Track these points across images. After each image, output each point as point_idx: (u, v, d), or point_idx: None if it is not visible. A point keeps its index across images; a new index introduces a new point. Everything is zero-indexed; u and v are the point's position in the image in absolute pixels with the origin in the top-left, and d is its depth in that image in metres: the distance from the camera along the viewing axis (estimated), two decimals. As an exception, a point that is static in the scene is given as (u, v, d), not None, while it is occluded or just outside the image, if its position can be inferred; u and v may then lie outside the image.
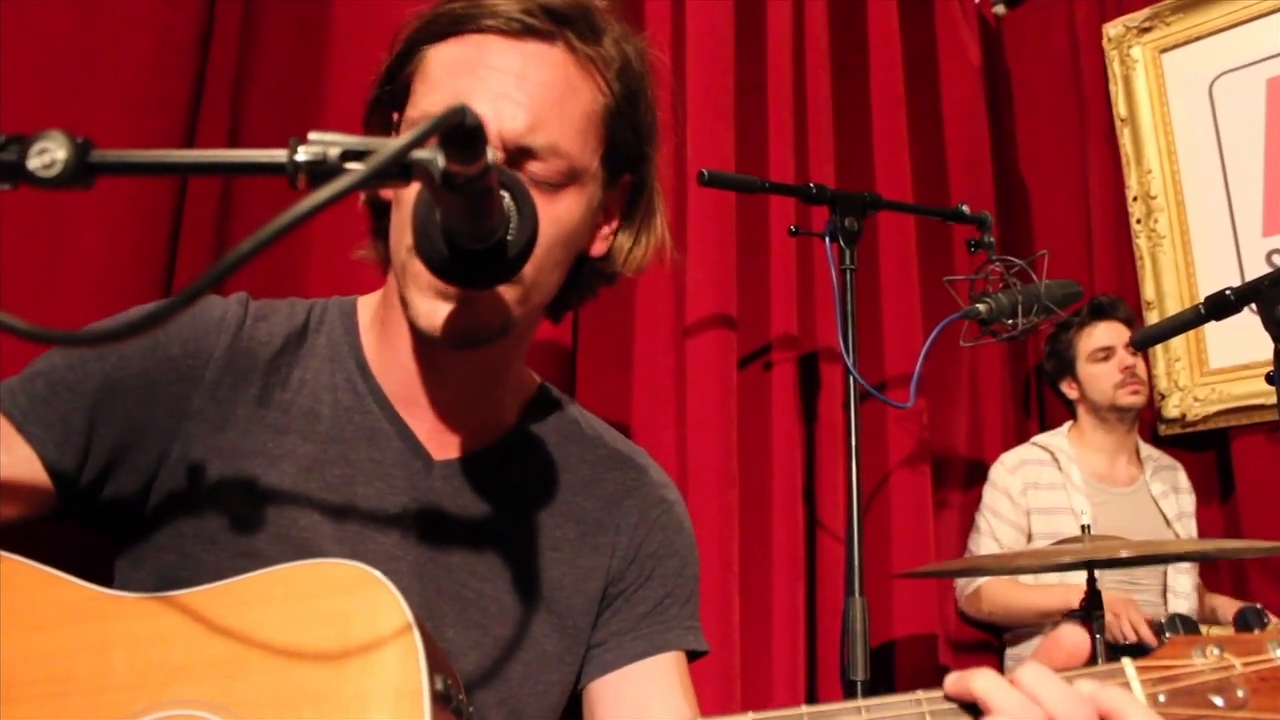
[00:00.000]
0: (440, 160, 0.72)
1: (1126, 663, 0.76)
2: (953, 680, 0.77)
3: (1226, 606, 2.92)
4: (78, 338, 0.64)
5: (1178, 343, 3.37)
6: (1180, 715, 0.74)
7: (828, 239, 2.15)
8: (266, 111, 1.81)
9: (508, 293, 1.05)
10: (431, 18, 1.07)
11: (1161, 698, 0.75)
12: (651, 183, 1.22)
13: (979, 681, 0.75)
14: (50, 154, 0.68)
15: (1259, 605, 0.77)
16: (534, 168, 1.05)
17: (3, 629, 0.93)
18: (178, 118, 1.64)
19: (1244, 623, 0.76)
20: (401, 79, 1.11)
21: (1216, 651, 0.75)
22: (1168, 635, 0.74)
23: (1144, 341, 1.98)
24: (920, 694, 0.78)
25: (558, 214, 1.07)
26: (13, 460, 1.02)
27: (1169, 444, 3.40)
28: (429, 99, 1.05)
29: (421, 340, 1.11)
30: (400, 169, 0.70)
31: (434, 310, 1.03)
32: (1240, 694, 0.74)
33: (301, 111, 1.84)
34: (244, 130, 1.78)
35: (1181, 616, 0.68)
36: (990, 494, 3.08)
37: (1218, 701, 0.74)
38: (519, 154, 1.04)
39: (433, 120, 0.67)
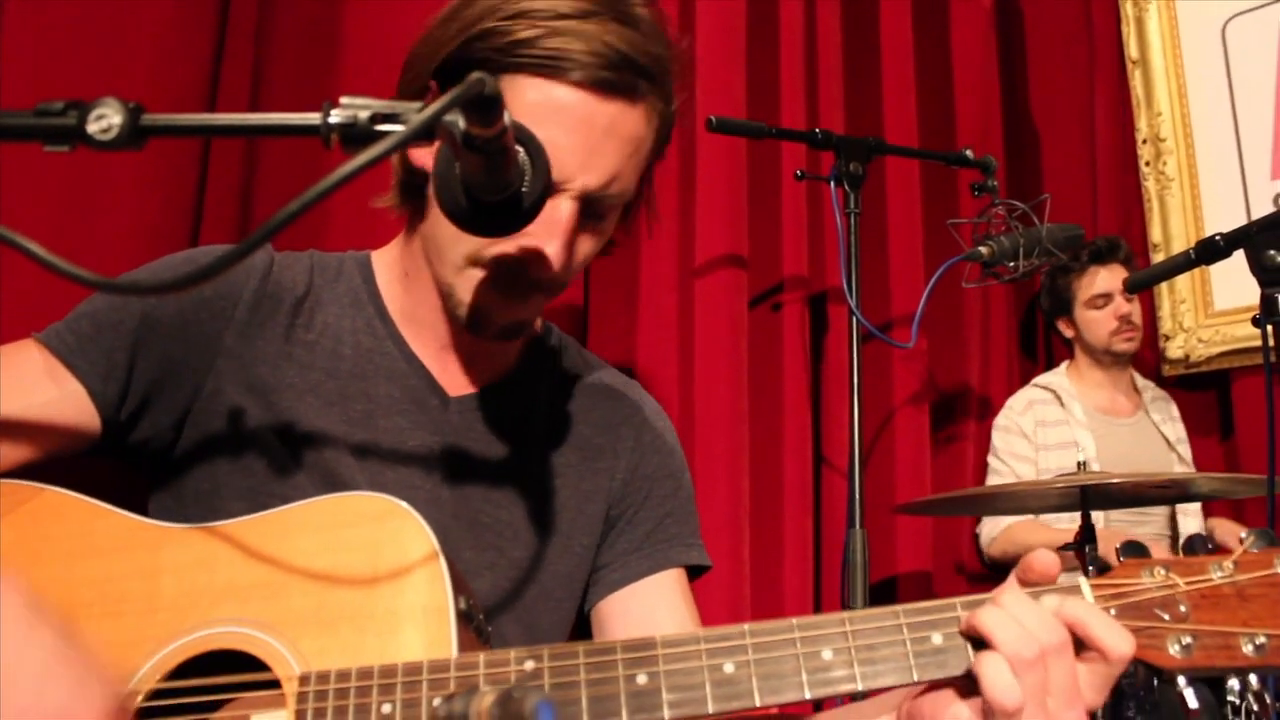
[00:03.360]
0: (461, 123, 0.79)
1: (1082, 581, 0.85)
2: (964, 618, 0.86)
3: (1225, 530, 3.03)
4: (146, 286, 0.71)
5: (1182, 284, 3.41)
6: (1130, 627, 0.82)
7: (833, 183, 2.19)
8: (286, 60, 1.86)
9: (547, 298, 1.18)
10: (527, 41, 1.06)
11: (1112, 611, 0.83)
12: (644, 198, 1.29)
13: (984, 618, 0.84)
14: (107, 119, 0.74)
15: (1204, 533, 0.85)
16: (599, 209, 1.14)
17: (61, 556, 1.01)
18: (202, 67, 1.70)
19: (1190, 548, 0.84)
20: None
21: (1163, 572, 0.84)
22: (1121, 558, 0.82)
23: (1137, 285, 2.03)
24: (898, 608, 0.86)
25: (602, 232, 1.18)
26: (62, 395, 1.09)
27: (1172, 384, 3.45)
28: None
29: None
30: (426, 131, 0.76)
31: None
32: (1182, 609, 0.82)
33: (320, 60, 1.89)
34: (265, 78, 1.84)
35: (1134, 542, 0.74)
36: (1004, 438, 3.13)
37: (1164, 616, 0.82)
38: (592, 201, 1.12)
39: (456, 91, 0.73)
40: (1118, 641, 0.81)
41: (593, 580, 1.30)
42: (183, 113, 0.81)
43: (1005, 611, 0.83)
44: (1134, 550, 0.83)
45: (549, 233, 1.08)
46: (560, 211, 1.08)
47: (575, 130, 1.07)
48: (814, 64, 2.82)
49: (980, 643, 0.84)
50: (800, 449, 2.57)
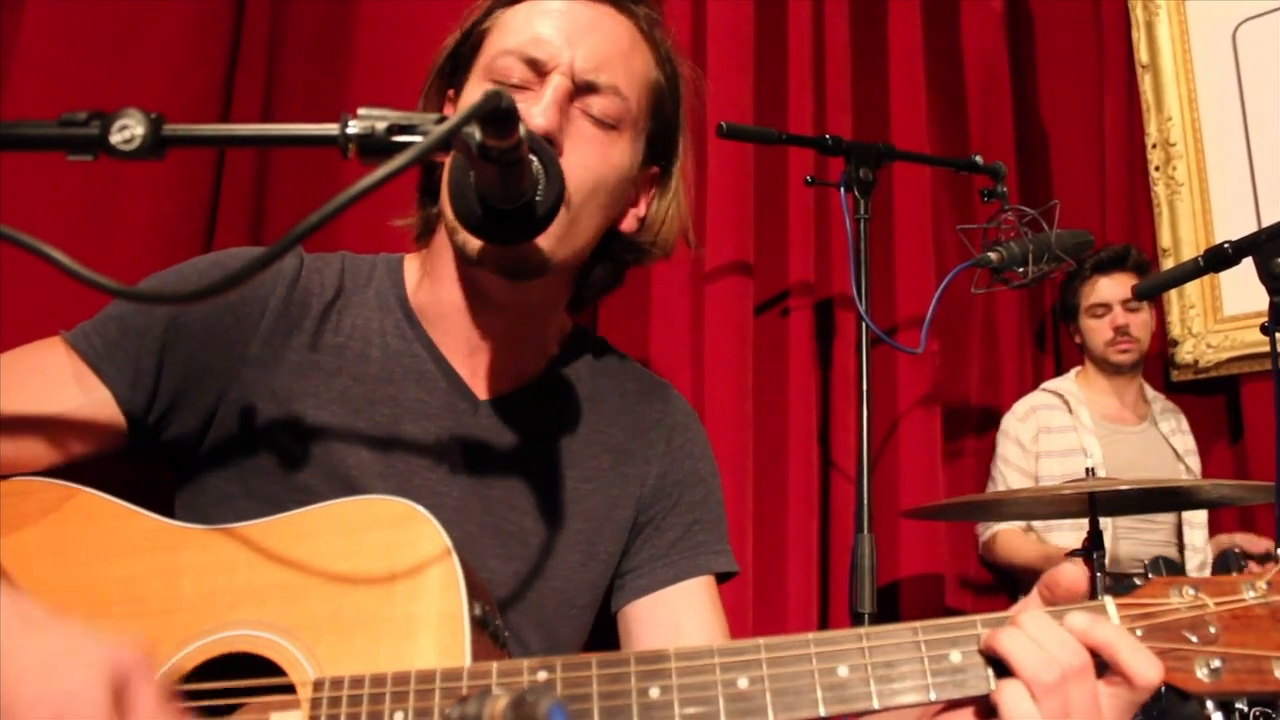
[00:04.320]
0: (477, 135, 0.80)
1: (1108, 601, 0.83)
2: (984, 638, 0.84)
3: (1249, 540, 3.02)
4: (170, 297, 0.71)
5: (1192, 290, 3.40)
6: (1156, 649, 0.80)
7: (843, 189, 2.19)
8: (299, 67, 1.87)
9: (552, 227, 1.10)
10: None
11: (1139, 632, 0.81)
12: (677, 180, 1.31)
13: (1003, 640, 0.82)
14: (130, 130, 0.75)
15: (1238, 549, 0.83)
16: (596, 103, 1.14)
17: (85, 556, 1.03)
18: (216, 74, 1.71)
19: (1224, 565, 0.83)
20: (472, 39, 1.19)
21: (1192, 592, 0.81)
22: (1150, 576, 0.80)
23: (1145, 292, 2.03)
24: (917, 624, 0.85)
25: (612, 157, 1.16)
26: (89, 401, 1.10)
27: (1181, 390, 3.45)
28: (506, 38, 1.15)
29: (470, 277, 1.19)
30: (444, 144, 0.77)
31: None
32: (1212, 630, 0.80)
33: (333, 68, 1.90)
34: (279, 85, 1.85)
35: (1165, 559, 0.73)
36: (1002, 443, 3.15)
37: (1192, 638, 0.80)
38: (585, 88, 1.13)
39: (473, 105, 0.75)
40: (1146, 668, 0.79)
41: (618, 585, 1.29)
42: (198, 119, 0.83)
43: (1025, 633, 0.81)
44: (1163, 568, 0.82)
45: (536, 99, 1.11)
46: (549, 83, 1.11)
47: (560, 17, 1.14)
48: (822, 68, 2.82)
49: (999, 662, 0.82)
50: (806, 453, 2.57)
